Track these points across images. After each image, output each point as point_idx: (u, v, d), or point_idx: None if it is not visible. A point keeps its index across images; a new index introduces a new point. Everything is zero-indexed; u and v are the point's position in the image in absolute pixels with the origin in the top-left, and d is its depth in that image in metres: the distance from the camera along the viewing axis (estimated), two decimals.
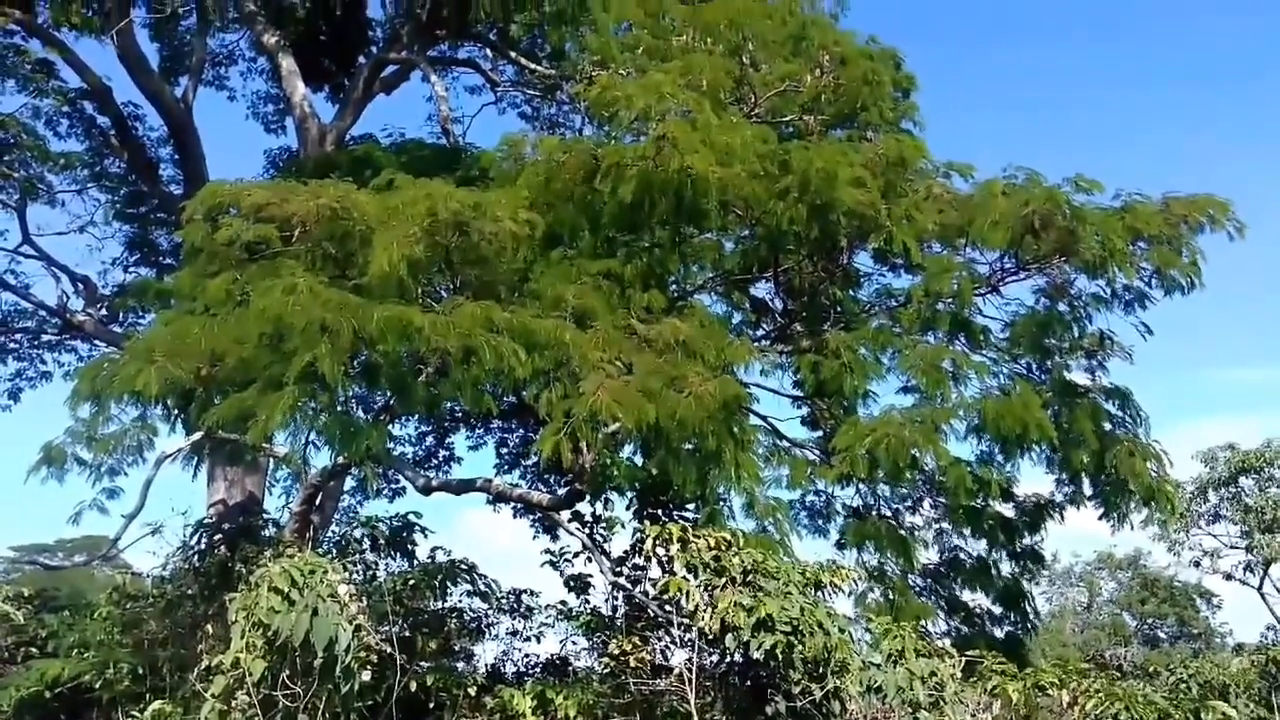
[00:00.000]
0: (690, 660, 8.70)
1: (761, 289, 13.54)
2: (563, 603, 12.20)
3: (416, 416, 16.70)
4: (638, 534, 11.46)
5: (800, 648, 8.10)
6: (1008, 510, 12.84)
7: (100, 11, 15.66)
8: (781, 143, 11.14)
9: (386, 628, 9.37)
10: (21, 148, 16.89)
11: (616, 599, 11.63)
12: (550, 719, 9.09)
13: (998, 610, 13.20)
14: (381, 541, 11.18)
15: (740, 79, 12.07)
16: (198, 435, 10.02)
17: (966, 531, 12.96)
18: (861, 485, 12.37)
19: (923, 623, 11.58)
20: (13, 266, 18.31)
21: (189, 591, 10.80)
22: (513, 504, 16.66)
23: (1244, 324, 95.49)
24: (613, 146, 10.31)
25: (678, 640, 9.13)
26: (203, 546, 11.07)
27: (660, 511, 11.75)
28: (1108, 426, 11.74)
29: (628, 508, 12.36)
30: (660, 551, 9.67)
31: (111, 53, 16.08)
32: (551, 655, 12.24)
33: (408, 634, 10.02)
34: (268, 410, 7.95)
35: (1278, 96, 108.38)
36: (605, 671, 10.11)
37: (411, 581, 10.55)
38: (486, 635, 11.97)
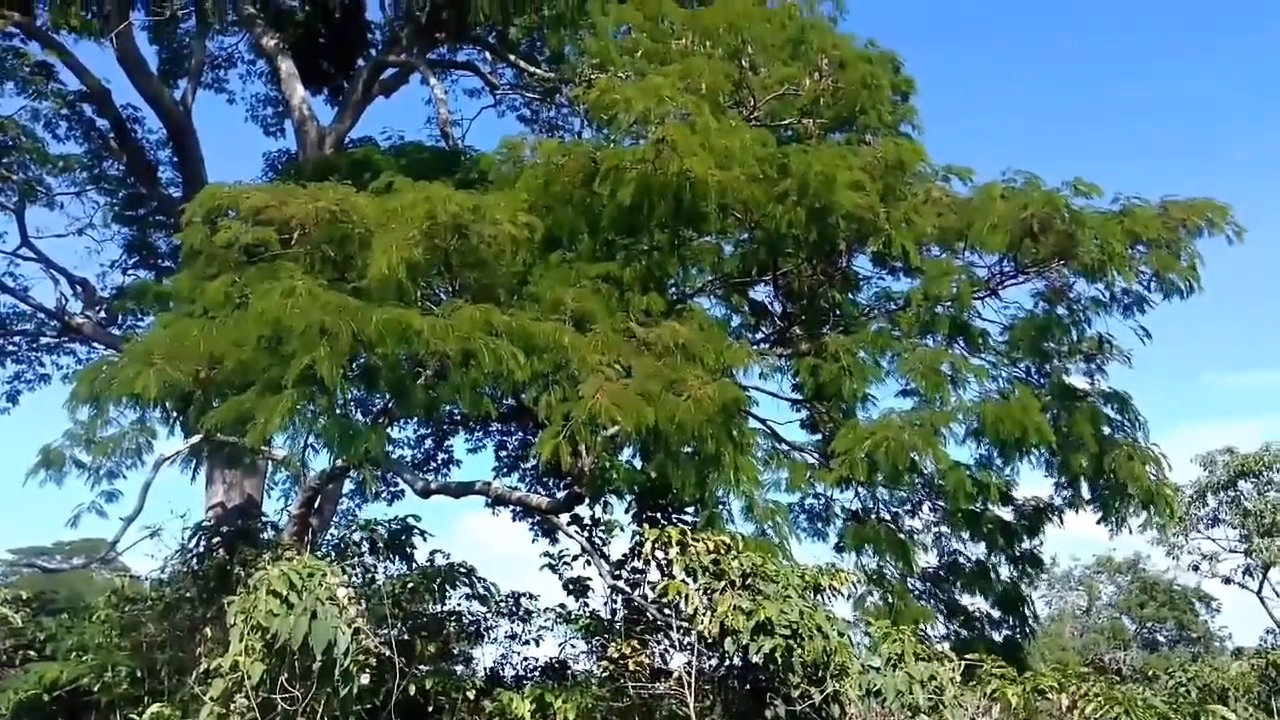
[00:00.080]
0: (689, 664, 8.69)
1: (760, 292, 13.52)
2: (562, 606, 12.21)
3: (415, 419, 16.72)
4: (637, 537, 11.48)
5: (799, 651, 8.09)
6: (1007, 514, 12.82)
7: (99, 14, 15.67)
8: (780, 146, 11.11)
9: (385, 631, 9.35)
10: (20, 150, 16.92)
11: (615, 602, 11.65)
12: None
13: (997, 614, 13.19)
14: (380, 544, 11.17)
15: (739, 82, 12.04)
16: (196, 438, 10.03)
17: (965, 535, 12.94)
18: (861, 488, 12.35)
19: (922, 626, 11.54)
20: (11, 269, 18.43)
21: (187, 594, 10.76)
22: (512, 507, 16.69)
23: (1243, 328, 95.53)
24: (612, 149, 10.30)
25: (677, 644, 9.10)
26: (201, 549, 11.05)
27: (659, 515, 11.73)
28: (1107, 430, 11.72)
29: (627, 511, 12.36)
30: (659, 555, 9.66)
31: (111, 55, 16.15)
32: (550, 659, 12.24)
33: (406, 637, 10.01)
34: (266, 413, 7.93)
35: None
36: (604, 675, 10.13)
37: (410, 585, 10.53)
38: (485, 638, 11.94)
